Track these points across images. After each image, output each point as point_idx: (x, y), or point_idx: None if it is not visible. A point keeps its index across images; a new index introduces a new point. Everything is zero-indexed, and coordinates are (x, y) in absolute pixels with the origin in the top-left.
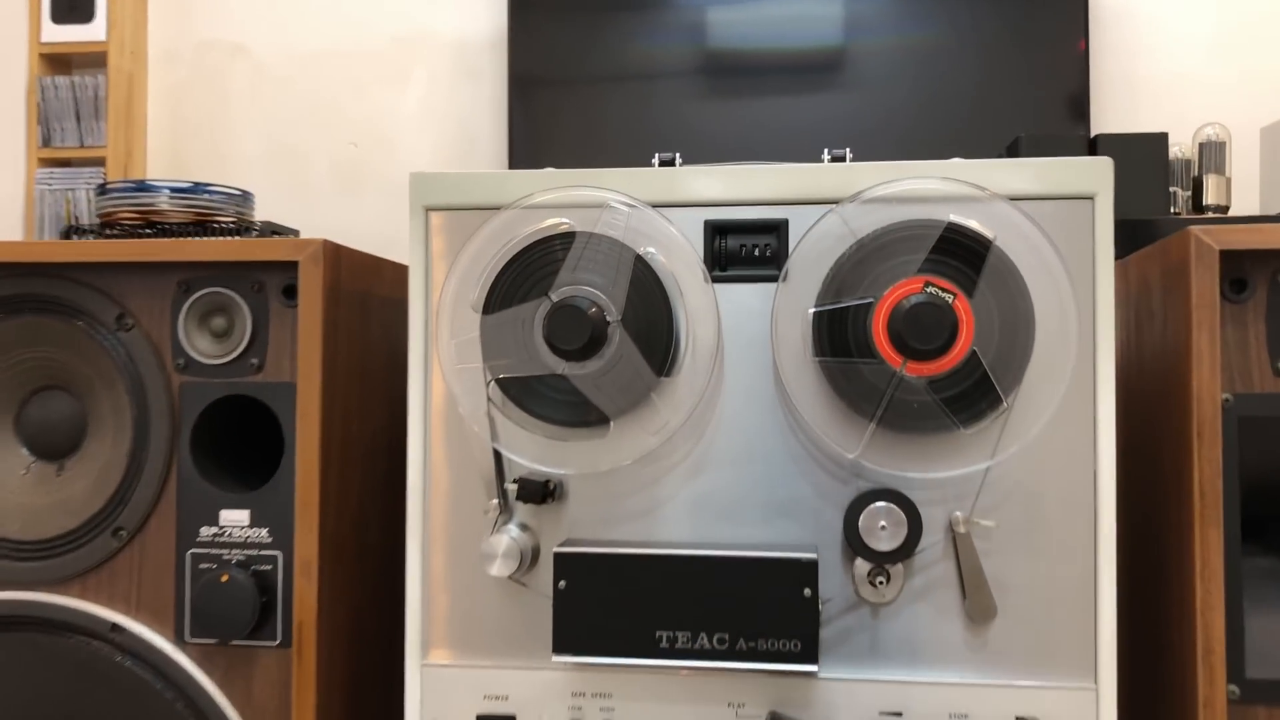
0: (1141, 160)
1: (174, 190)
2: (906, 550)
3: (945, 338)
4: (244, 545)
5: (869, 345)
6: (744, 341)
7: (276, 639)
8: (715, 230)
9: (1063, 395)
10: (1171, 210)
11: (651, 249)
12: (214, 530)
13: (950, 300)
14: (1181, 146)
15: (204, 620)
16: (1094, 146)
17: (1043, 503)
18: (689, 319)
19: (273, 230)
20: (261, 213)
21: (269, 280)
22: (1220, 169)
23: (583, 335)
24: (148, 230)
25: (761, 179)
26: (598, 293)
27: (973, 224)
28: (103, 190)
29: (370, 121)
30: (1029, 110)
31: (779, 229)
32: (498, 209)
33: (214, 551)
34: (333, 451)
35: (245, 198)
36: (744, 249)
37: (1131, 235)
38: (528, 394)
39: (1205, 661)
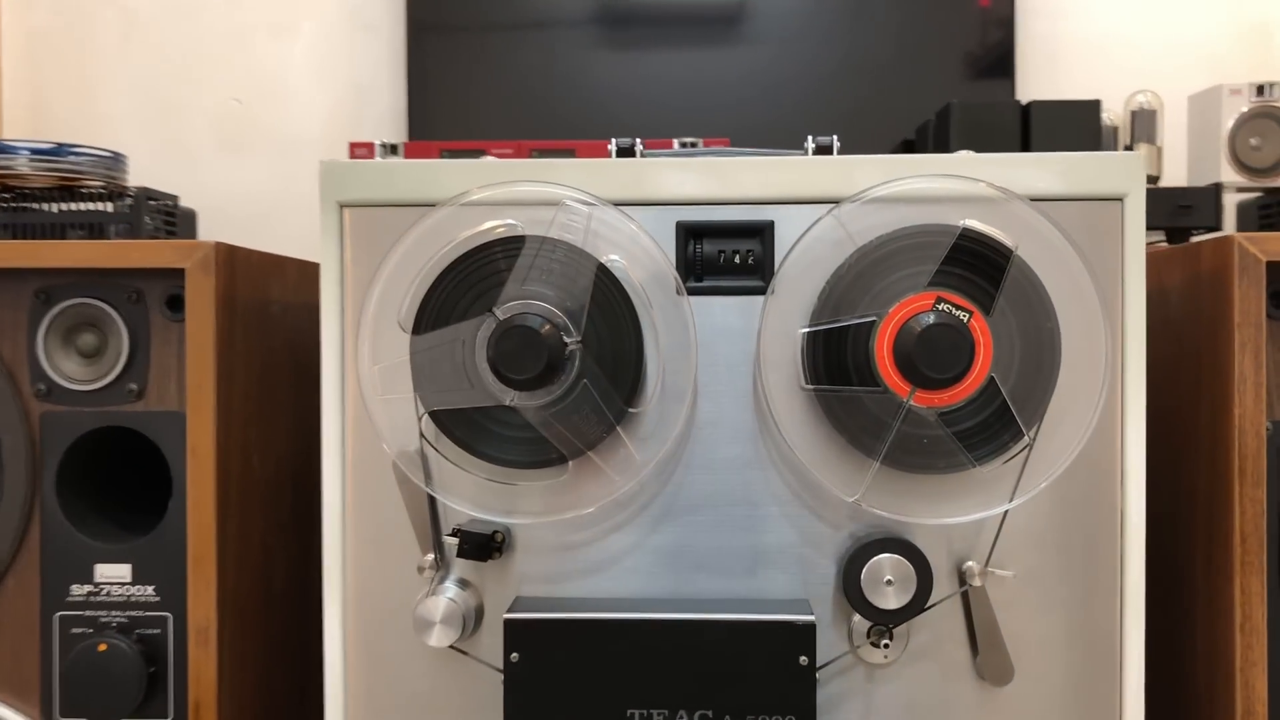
0: (1074, 128)
1: (35, 152)
2: (915, 608)
3: (961, 364)
4: (125, 605)
5: (871, 371)
6: (724, 365)
7: (168, 716)
8: (689, 233)
9: (1092, 428)
10: None
11: (615, 256)
12: (88, 588)
13: (966, 319)
14: (1111, 114)
15: (77, 696)
16: (1027, 114)
17: (1063, 548)
18: (659, 339)
19: (148, 197)
20: (136, 176)
21: (149, 288)
22: (1151, 138)
23: (536, 361)
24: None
25: (744, 173)
26: (553, 309)
27: (991, 231)
28: None
29: (255, 75)
30: (951, 72)
31: (764, 232)
32: (430, 206)
33: (89, 614)
34: (231, 492)
35: (116, 160)
36: (723, 255)
37: None
38: (469, 429)
39: None
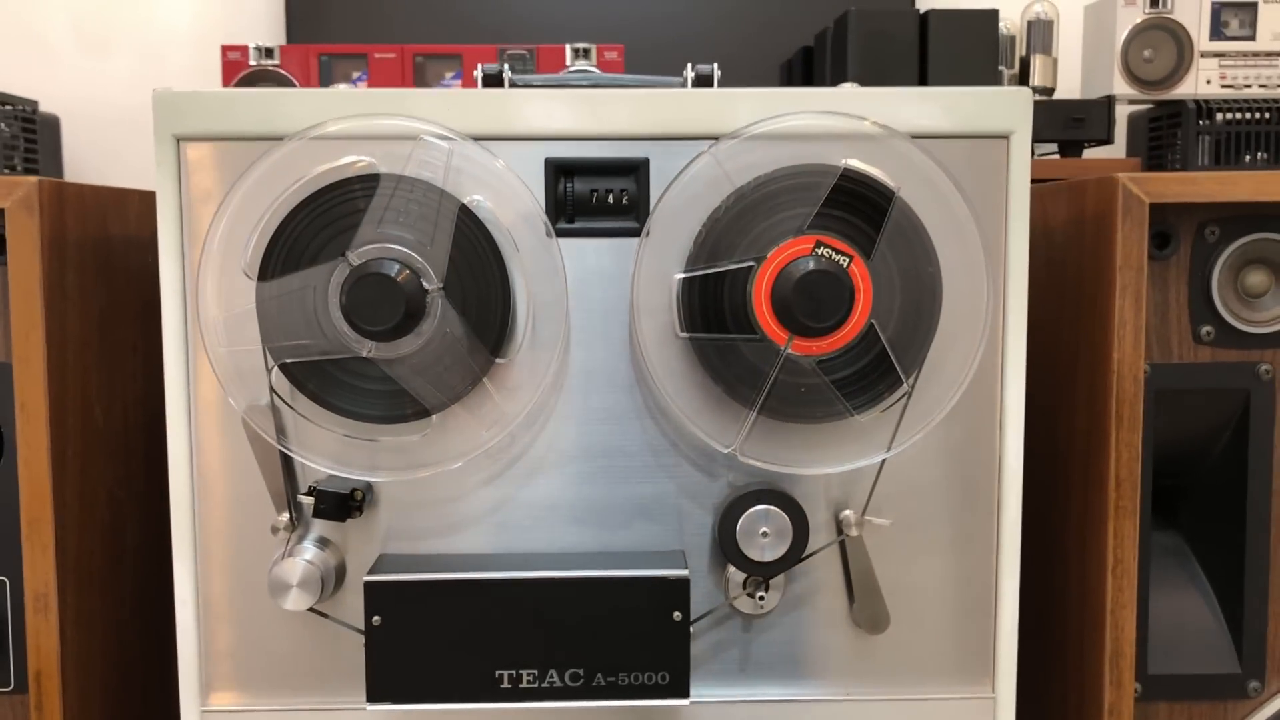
0: (971, 38)
1: None
2: (790, 560)
3: (841, 310)
4: None
5: (749, 318)
6: (596, 311)
7: (9, 685)
8: (559, 170)
9: (972, 375)
10: None
11: (479, 196)
12: None
13: (845, 264)
14: (1008, 22)
15: None
16: (925, 23)
17: (940, 495)
18: (528, 284)
19: (3, 101)
20: None
21: None
22: (1048, 49)
23: (394, 309)
24: None
25: (617, 106)
26: (411, 253)
27: (873, 171)
28: None
29: None
30: None
31: (638, 170)
32: (276, 140)
33: None
34: (69, 447)
35: None
36: (595, 195)
37: None
38: (323, 382)
39: (1114, 664)
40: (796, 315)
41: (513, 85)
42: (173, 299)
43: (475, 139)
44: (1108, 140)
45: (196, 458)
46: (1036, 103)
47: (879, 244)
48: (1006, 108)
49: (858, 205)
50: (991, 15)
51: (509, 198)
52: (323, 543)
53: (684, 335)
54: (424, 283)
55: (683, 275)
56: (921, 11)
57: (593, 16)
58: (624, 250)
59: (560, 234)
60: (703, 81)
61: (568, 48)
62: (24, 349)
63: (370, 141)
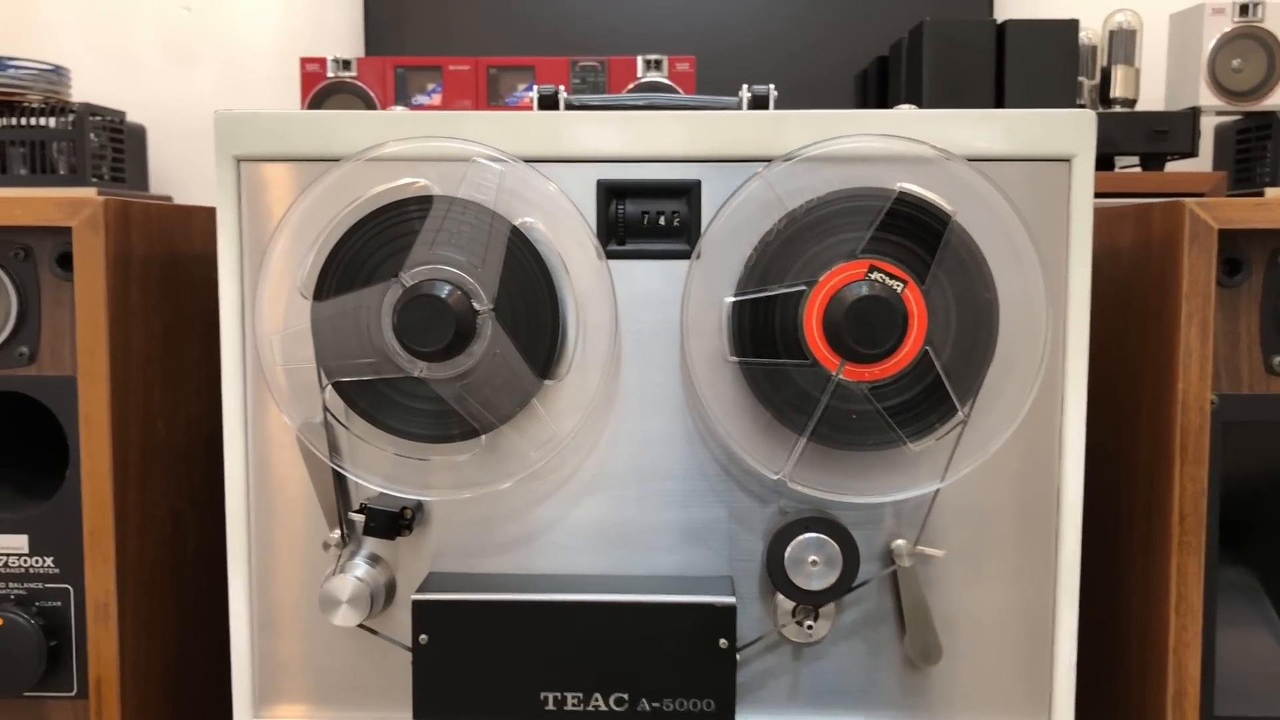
0: (1050, 49)
1: None
2: (839, 589)
3: (894, 336)
4: (24, 578)
5: (799, 343)
6: (646, 333)
7: (72, 690)
8: (610, 193)
9: (1029, 405)
10: (1078, 102)
11: (530, 218)
12: None
13: (899, 289)
14: (1090, 32)
15: None
16: (1002, 34)
17: (996, 525)
18: (578, 306)
19: (91, 112)
20: (80, 90)
21: (38, 245)
22: (1130, 59)
23: (444, 330)
24: None
25: (669, 129)
26: (462, 274)
27: (929, 195)
28: None
29: None
30: None
31: (690, 192)
32: (333, 161)
33: None
34: (130, 459)
35: (59, 74)
36: (646, 217)
37: None
38: (375, 401)
39: (1176, 705)
40: (848, 341)
41: (569, 107)
42: (231, 316)
43: (528, 161)
44: (1192, 153)
45: (254, 472)
46: (1118, 114)
47: (934, 269)
48: (1068, 130)
49: (912, 229)
50: (1071, 25)
51: (560, 219)
52: (374, 559)
53: (734, 359)
54: (475, 304)
55: (733, 299)
56: (999, 22)
57: (666, 27)
58: (675, 272)
59: (611, 256)
60: (758, 102)
61: (639, 59)
62: (88, 363)
63: (425, 163)
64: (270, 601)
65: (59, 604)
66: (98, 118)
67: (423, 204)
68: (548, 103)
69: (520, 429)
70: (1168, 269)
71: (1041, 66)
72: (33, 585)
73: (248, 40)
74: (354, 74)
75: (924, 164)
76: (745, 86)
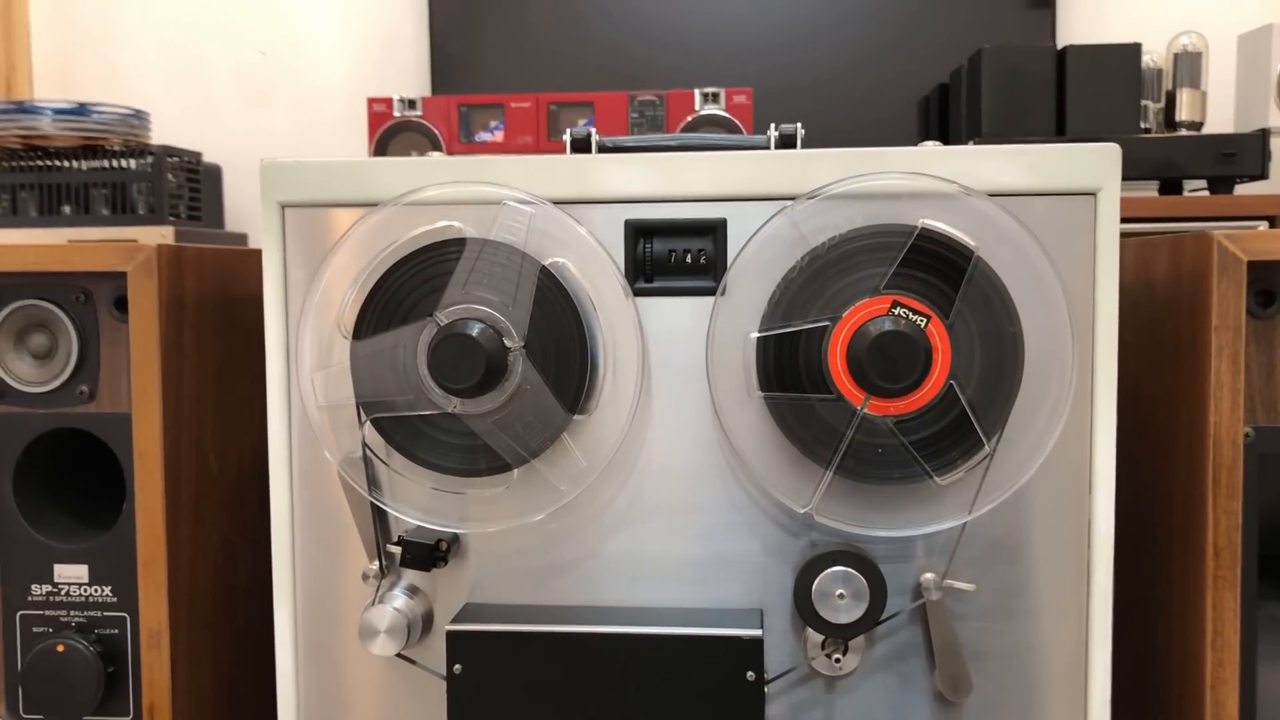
0: (1112, 74)
1: (58, 112)
2: (867, 623)
3: (917, 371)
4: (84, 605)
5: (824, 378)
6: (675, 368)
7: (129, 715)
8: (638, 232)
9: (1056, 438)
10: (1142, 126)
11: (560, 258)
12: (48, 588)
13: (923, 324)
14: (1154, 55)
15: (37, 696)
16: (1062, 59)
17: (1027, 558)
18: (607, 342)
19: (169, 153)
20: (160, 132)
21: (97, 289)
22: (1195, 82)
23: (476, 367)
24: (33, 155)
25: (694, 170)
26: (494, 313)
27: (951, 231)
28: None
29: (278, 26)
30: (988, 14)
31: (716, 231)
32: (371, 206)
33: (49, 613)
34: (183, 494)
35: (139, 118)
36: (674, 255)
37: None
38: (411, 437)
39: None
40: (871, 376)
41: (601, 148)
42: (276, 354)
43: (558, 203)
44: (1262, 175)
45: (298, 506)
46: (1184, 138)
47: (958, 304)
48: (1092, 164)
49: (936, 265)
50: (1133, 50)
51: (588, 258)
52: (412, 590)
53: (760, 394)
54: (506, 341)
55: (758, 334)
56: (1059, 47)
57: (725, 60)
58: (703, 308)
59: (639, 293)
60: (786, 141)
61: (696, 92)
62: (142, 401)
63: (460, 206)
64: (315, 631)
65: (116, 631)
66: (175, 159)
67: (457, 246)
68: (580, 145)
69: (551, 463)
70: (1198, 301)
71: (1103, 92)
72: (92, 613)
73: (319, 82)
74: (419, 113)
75: (947, 200)
76: (773, 125)
